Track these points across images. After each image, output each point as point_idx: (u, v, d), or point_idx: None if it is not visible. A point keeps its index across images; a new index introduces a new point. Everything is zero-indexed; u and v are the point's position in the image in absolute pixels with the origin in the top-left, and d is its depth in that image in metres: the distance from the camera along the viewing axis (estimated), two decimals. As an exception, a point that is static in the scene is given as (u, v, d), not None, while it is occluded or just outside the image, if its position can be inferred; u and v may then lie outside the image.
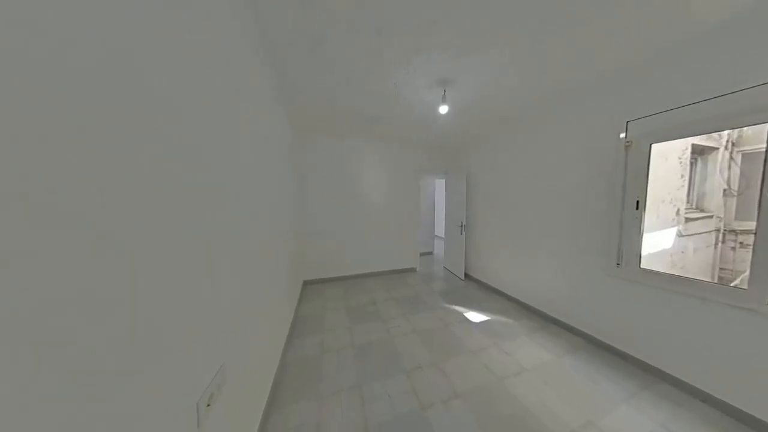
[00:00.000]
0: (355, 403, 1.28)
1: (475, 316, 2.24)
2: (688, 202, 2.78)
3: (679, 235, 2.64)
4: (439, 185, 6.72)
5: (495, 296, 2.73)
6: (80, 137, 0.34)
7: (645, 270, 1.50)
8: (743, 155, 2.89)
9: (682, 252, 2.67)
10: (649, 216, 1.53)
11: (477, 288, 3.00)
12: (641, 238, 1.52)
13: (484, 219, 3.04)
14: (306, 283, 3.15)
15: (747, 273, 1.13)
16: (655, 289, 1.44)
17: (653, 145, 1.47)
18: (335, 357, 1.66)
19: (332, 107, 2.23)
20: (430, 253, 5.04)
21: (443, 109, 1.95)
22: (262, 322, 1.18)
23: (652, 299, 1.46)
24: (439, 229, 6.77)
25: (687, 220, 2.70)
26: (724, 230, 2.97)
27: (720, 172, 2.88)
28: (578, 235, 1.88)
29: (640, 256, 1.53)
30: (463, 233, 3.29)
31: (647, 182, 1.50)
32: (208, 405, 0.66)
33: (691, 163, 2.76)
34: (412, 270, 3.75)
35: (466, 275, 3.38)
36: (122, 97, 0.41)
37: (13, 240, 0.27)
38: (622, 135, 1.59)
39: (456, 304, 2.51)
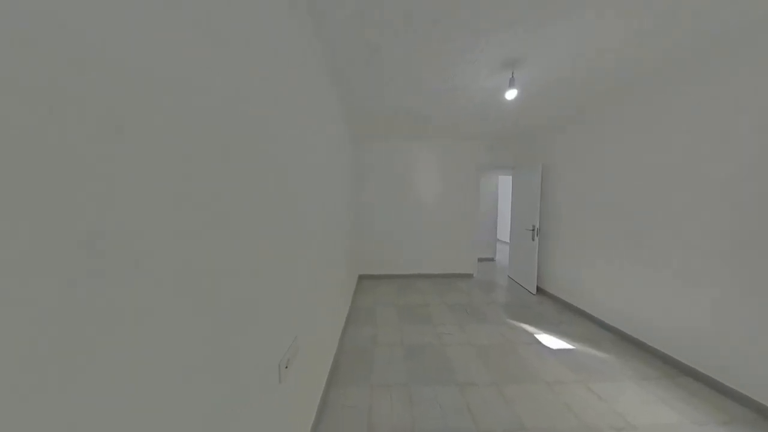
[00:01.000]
0: (404, 400, 1.28)
1: (550, 341, 1.84)
2: None
3: None
4: (504, 182, 5.90)
5: (581, 320, 2.16)
6: (239, 163, 0.48)
7: None
8: None
9: None
10: None
11: (553, 306, 2.46)
12: None
13: (569, 221, 2.45)
14: (361, 278, 3.38)
15: None
16: None
17: None
18: (386, 351, 1.71)
19: (387, 111, 2.30)
20: (491, 260, 4.49)
21: (510, 95, 1.69)
22: (325, 307, 1.34)
23: None
24: (503, 233, 5.95)
25: None
26: None
27: None
28: (751, 250, 1.24)
29: None
30: (536, 238, 2.76)
31: None
32: (286, 367, 0.80)
33: None
34: (469, 276, 3.44)
35: (539, 289, 2.82)
36: (251, 137, 0.55)
37: (190, 227, 0.41)
38: None
39: (524, 322, 2.13)
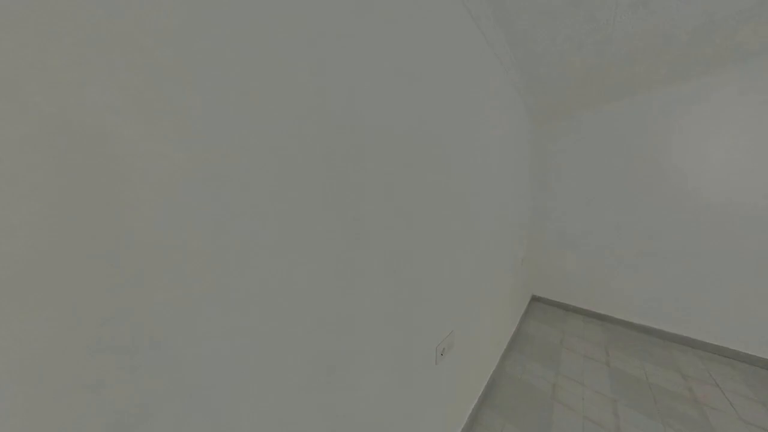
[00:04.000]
0: None
1: None
2: None
3: None
4: None
5: None
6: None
7: None
8: None
9: None
10: None
11: None
12: None
13: None
14: (534, 299, 2.58)
15: None
16: None
17: None
18: (579, 421, 1.12)
19: (593, 62, 1.41)
20: None
21: None
22: (484, 312, 1.17)
23: None
24: None
25: None
26: None
27: None
28: None
29: None
30: None
31: None
32: (441, 354, 0.79)
33: None
34: None
35: None
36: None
37: (389, 221, 0.52)
38: None
39: None
